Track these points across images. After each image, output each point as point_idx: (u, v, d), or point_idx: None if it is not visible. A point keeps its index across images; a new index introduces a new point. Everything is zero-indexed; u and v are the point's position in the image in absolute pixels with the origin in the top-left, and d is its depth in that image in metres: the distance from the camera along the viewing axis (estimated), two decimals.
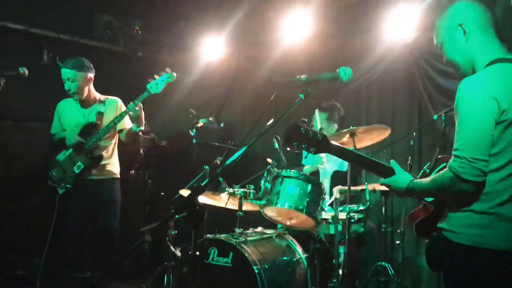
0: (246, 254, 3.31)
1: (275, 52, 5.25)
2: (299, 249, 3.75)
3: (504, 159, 1.92)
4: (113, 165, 4.17)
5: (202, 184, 1.75)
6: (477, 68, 2.06)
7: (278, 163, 3.82)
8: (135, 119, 3.92)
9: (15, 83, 5.02)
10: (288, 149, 2.30)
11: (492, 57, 2.02)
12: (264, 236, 3.77)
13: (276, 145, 3.97)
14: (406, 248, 4.20)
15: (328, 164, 4.39)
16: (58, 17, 5.41)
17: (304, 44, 5.08)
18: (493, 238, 1.92)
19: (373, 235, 4.14)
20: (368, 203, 3.77)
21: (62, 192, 3.99)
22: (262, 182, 3.70)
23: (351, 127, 3.74)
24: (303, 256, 3.71)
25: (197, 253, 1.67)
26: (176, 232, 4.02)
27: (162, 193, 5.46)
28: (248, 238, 3.54)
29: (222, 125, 5.74)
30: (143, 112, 3.92)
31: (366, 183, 3.84)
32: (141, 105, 3.87)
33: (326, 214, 3.84)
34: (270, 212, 3.80)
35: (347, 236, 3.63)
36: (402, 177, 2.18)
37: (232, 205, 3.80)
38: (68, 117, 4.15)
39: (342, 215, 3.68)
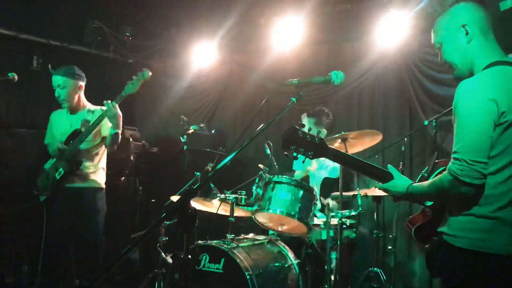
0: (238, 260, 3.28)
1: (267, 59, 5.26)
2: (291, 255, 3.73)
3: (503, 161, 1.91)
4: (98, 175, 4.06)
5: (194, 188, 1.73)
6: (475, 70, 2.06)
7: (269, 168, 3.81)
8: (111, 119, 3.85)
9: (4, 89, 5.03)
10: (286, 153, 2.28)
11: (491, 60, 2.03)
12: (256, 242, 3.74)
13: (268, 151, 3.96)
14: (398, 254, 4.20)
15: (318, 171, 4.39)
16: (48, 23, 5.40)
17: (296, 50, 5.10)
18: (495, 242, 1.90)
19: (365, 240, 4.14)
20: (360, 209, 3.77)
21: (43, 199, 3.94)
22: (254, 188, 3.68)
23: (343, 133, 3.74)
24: (295, 262, 3.69)
25: (189, 257, 1.65)
26: (167, 238, 3.99)
27: (153, 200, 5.42)
28: (240, 244, 3.52)
29: (213, 131, 5.73)
30: (120, 113, 3.85)
31: (358, 189, 3.83)
32: (117, 105, 3.82)
33: (318, 220, 3.83)
34: (261, 218, 3.78)
35: (339, 242, 3.61)
36: (401, 181, 2.19)
37: (224, 211, 3.77)
38: (58, 126, 4.11)
39: (334, 221, 3.67)
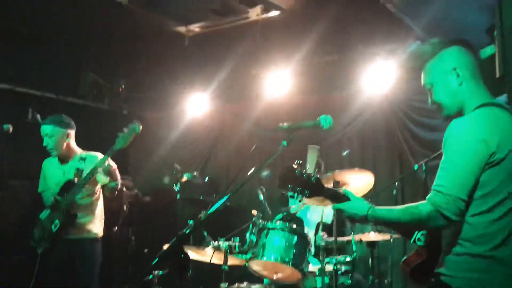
0: None
1: (258, 107, 5.39)
2: None
3: (495, 199, 1.93)
4: (94, 224, 4.02)
5: (186, 232, 1.74)
6: (465, 111, 2.12)
7: (263, 214, 3.81)
8: (107, 174, 3.86)
9: None
10: (283, 192, 2.27)
11: (480, 101, 2.08)
12: None
13: (261, 197, 3.98)
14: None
15: (311, 213, 4.39)
16: (44, 76, 5.50)
17: (286, 99, 5.24)
18: (491, 282, 1.91)
19: (360, 287, 4.09)
20: (354, 254, 3.75)
21: (40, 251, 3.89)
22: (248, 234, 3.67)
23: (336, 171, 3.79)
24: None
25: None
26: None
27: (146, 250, 5.35)
28: None
29: (206, 179, 5.75)
30: (114, 166, 3.87)
31: (353, 233, 3.83)
32: (110, 159, 3.83)
33: (313, 267, 3.80)
34: (256, 266, 3.74)
35: None
36: (359, 203, 2.17)
37: (217, 259, 3.73)
38: (50, 175, 4.10)
39: (329, 267, 3.64)
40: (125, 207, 5.39)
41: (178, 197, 4.74)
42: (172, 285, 1.90)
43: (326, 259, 3.62)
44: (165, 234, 4.64)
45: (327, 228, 4.22)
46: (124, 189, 5.42)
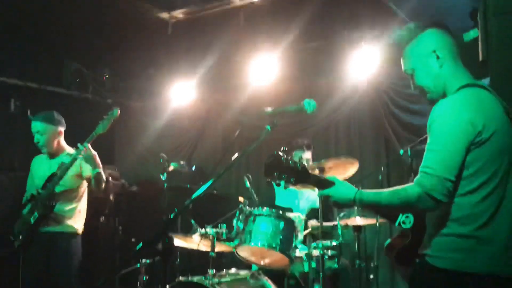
0: None
1: (244, 95, 5.37)
2: None
3: (480, 180, 1.95)
4: (74, 220, 3.98)
5: (171, 217, 1.74)
6: (447, 92, 2.13)
7: (250, 201, 3.81)
8: (88, 162, 3.82)
9: None
10: (268, 180, 2.25)
11: (462, 82, 2.09)
12: (238, 277, 3.69)
13: (247, 184, 3.98)
14: (380, 283, 4.19)
15: (301, 202, 4.41)
16: (26, 66, 5.42)
17: (271, 86, 5.23)
18: (475, 262, 1.92)
19: (347, 271, 4.13)
20: (340, 239, 3.78)
21: (18, 245, 3.85)
22: (235, 221, 3.67)
23: (322, 161, 3.79)
24: None
25: (167, 286, 1.64)
26: (147, 277, 3.91)
27: (133, 240, 5.34)
28: (222, 280, 3.47)
29: (193, 168, 5.73)
30: (94, 153, 3.83)
31: (338, 219, 3.86)
32: (89, 145, 3.79)
33: (300, 252, 3.82)
34: (243, 252, 3.75)
35: (321, 274, 3.60)
36: (345, 187, 2.14)
37: (205, 246, 3.74)
38: (38, 171, 4.06)
39: (316, 252, 3.67)
40: (111, 197, 5.36)
41: (165, 186, 4.73)
42: (159, 273, 1.89)
43: (313, 244, 3.64)
44: (152, 224, 4.65)
45: (316, 214, 4.24)
46: (110, 179, 5.39)
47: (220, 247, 3.79)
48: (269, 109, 2.27)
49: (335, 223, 3.87)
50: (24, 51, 5.38)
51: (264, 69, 5.10)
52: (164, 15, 4.81)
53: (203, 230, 3.64)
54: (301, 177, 2.22)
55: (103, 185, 3.98)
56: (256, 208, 3.68)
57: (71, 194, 3.96)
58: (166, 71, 5.88)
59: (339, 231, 3.77)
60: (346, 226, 3.93)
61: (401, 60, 2.24)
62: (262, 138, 2.13)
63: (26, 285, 3.86)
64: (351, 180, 4.23)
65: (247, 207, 3.70)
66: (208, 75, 5.63)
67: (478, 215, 1.95)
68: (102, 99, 6.21)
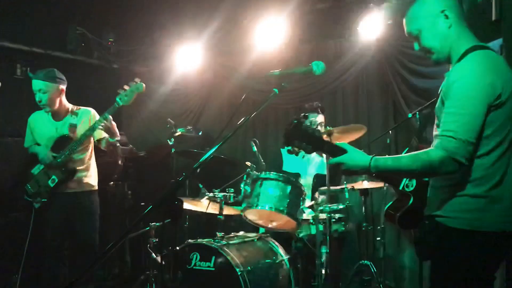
0: (229, 258, 3.29)
1: (250, 58, 5.30)
2: (281, 251, 3.75)
3: (495, 141, 1.98)
4: (90, 177, 4.09)
5: (179, 180, 1.75)
6: (453, 54, 2.12)
7: (257, 166, 3.83)
8: (107, 132, 3.87)
9: None
10: (289, 148, 2.15)
11: (469, 44, 2.08)
12: (246, 239, 3.76)
13: (254, 148, 3.99)
14: (387, 245, 4.24)
15: (308, 167, 4.42)
16: (31, 31, 5.37)
17: (279, 49, 5.14)
18: (489, 220, 1.97)
19: (354, 234, 4.18)
20: (347, 202, 3.80)
21: (38, 206, 3.93)
22: (242, 185, 3.70)
23: (328, 128, 3.77)
24: (286, 258, 3.70)
25: (177, 248, 1.66)
26: (157, 240, 3.98)
27: (142, 204, 5.40)
28: (230, 242, 3.53)
29: (200, 133, 5.73)
30: (114, 124, 3.86)
31: (345, 183, 3.87)
32: (111, 117, 3.82)
33: (307, 215, 3.86)
34: (251, 215, 3.80)
35: (328, 236, 3.64)
36: (359, 154, 2.10)
37: (213, 210, 3.79)
38: (41, 130, 4.08)
39: (323, 215, 3.70)
40: (120, 162, 5.39)
41: (172, 151, 4.74)
42: (169, 236, 1.92)
43: (320, 207, 3.67)
44: (161, 188, 4.69)
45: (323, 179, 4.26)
46: (118, 144, 5.41)
47: (228, 211, 3.84)
48: (276, 71, 2.23)
49: (342, 186, 3.88)
50: (28, 16, 5.32)
51: (271, 32, 5.01)
52: None
53: (211, 194, 3.69)
54: (317, 145, 2.18)
55: (112, 149, 4.04)
56: (263, 172, 3.71)
57: (83, 154, 4.03)
58: (171, 35, 5.80)
59: (346, 195, 3.79)
60: (353, 189, 3.94)
61: (404, 20, 2.19)
62: (270, 100, 2.10)
63: (49, 244, 4.00)
64: (359, 144, 4.24)
65: (254, 172, 3.73)
66: (214, 39, 5.54)
67: (491, 176, 1.99)
68: (107, 64, 6.18)
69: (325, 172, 4.27)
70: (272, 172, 3.69)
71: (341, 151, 2.11)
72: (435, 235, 2.07)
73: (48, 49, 5.54)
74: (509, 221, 1.99)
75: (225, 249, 3.37)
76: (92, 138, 4.07)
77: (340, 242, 4.02)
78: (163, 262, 2.87)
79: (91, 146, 4.13)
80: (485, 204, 1.98)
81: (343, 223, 3.90)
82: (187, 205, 3.89)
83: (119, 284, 5.01)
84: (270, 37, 5.03)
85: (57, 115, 4.04)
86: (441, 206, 2.05)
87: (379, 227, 4.17)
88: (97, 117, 3.97)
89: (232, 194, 3.69)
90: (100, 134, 3.99)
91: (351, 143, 3.88)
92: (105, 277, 4.98)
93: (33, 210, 3.94)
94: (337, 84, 5.07)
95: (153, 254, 3.61)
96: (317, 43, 5.27)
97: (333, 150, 2.13)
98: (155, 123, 6.28)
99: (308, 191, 4.12)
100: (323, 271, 3.64)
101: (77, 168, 3.96)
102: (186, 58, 5.70)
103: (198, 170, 1.89)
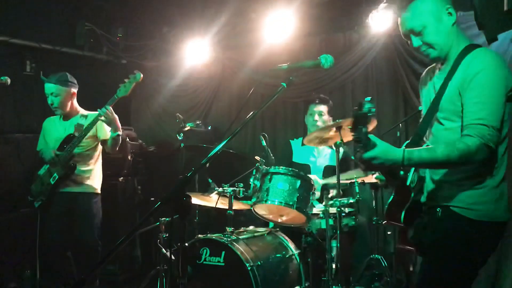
0: (238, 252, 3.28)
1: (259, 52, 5.27)
2: (291, 245, 3.74)
3: (504, 132, 2.06)
4: (93, 179, 4.08)
5: (188, 175, 1.73)
6: (452, 52, 2.16)
7: (266, 160, 3.81)
8: (109, 124, 3.88)
9: None
10: (354, 134, 1.96)
11: (466, 42, 2.16)
12: (256, 234, 3.75)
13: (264, 143, 3.97)
14: (397, 240, 4.21)
15: (318, 159, 4.40)
16: (40, 27, 5.39)
17: (287, 43, 5.11)
18: (501, 210, 2.07)
19: (364, 228, 4.15)
20: (358, 196, 3.77)
21: (38, 205, 3.96)
22: (251, 180, 3.69)
23: (337, 121, 3.74)
24: (296, 252, 3.69)
25: (186, 244, 1.66)
26: (167, 235, 3.99)
27: (152, 199, 5.42)
28: (240, 237, 3.53)
29: (209, 128, 5.73)
30: (115, 116, 3.88)
31: (355, 176, 3.84)
32: (111, 109, 3.83)
33: (317, 209, 3.84)
34: (261, 210, 3.79)
35: (338, 231, 3.62)
36: (390, 148, 1.98)
37: (223, 204, 3.78)
38: (51, 132, 4.13)
39: (333, 209, 3.67)
40: (129, 157, 5.41)
41: (181, 146, 4.75)
42: (179, 231, 1.91)
43: (330, 202, 3.64)
44: (171, 183, 4.69)
45: (333, 171, 4.22)
46: (127, 139, 5.43)
47: (237, 205, 3.83)
48: (284, 65, 2.21)
49: (352, 180, 3.85)
50: (37, 13, 5.34)
51: (279, 25, 4.97)
52: None
53: (220, 189, 3.69)
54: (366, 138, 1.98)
55: (117, 147, 4.04)
56: (272, 166, 3.69)
57: (88, 155, 4.03)
58: (180, 29, 5.79)
59: (356, 189, 3.75)
60: (363, 183, 3.91)
61: (404, 16, 2.16)
62: (278, 94, 2.08)
63: (50, 243, 4.00)
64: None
65: (264, 166, 3.71)
66: (222, 33, 5.52)
67: (502, 167, 2.08)
68: (116, 59, 6.19)
69: (335, 163, 4.25)
70: (281, 167, 3.67)
71: (372, 144, 1.98)
72: (446, 226, 2.09)
73: (57, 45, 5.56)
74: (509, 210, 2.09)
75: (235, 244, 3.36)
76: (99, 143, 4.06)
77: (350, 236, 4.00)
78: (173, 257, 2.87)
79: (98, 150, 4.13)
80: (499, 195, 2.06)
81: (353, 217, 3.87)
82: (197, 200, 3.89)
83: (129, 279, 5.04)
84: (278, 30, 5.00)
85: (68, 117, 4.08)
86: (456, 196, 2.08)
87: None
88: (105, 125, 3.97)
89: (241, 188, 3.68)
90: (106, 135, 3.98)
91: None
92: (115, 272, 5.00)
93: (39, 209, 3.97)
94: (346, 77, 5.03)
95: (163, 249, 3.62)
96: (325, 36, 5.22)
97: (369, 144, 1.98)
98: (164, 118, 6.29)
99: (318, 183, 4.10)
100: (334, 266, 3.62)
101: (79, 166, 3.96)
102: (194, 53, 5.69)
103: (207, 165, 1.88)
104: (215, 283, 3.34)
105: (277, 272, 3.52)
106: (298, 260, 3.66)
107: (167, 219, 3.86)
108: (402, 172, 2.21)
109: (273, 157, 3.96)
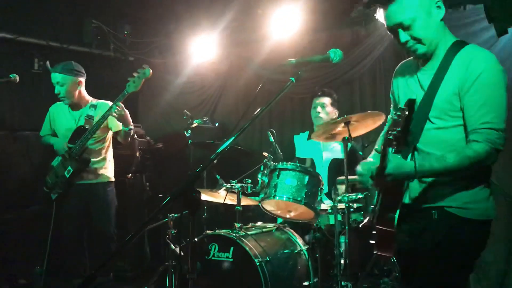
0: (247, 248, 3.29)
1: (266, 48, 5.26)
2: (300, 241, 3.74)
3: None
4: (106, 169, 4.15)
5: (196, 171, 1.74)
6: (440, 47, 2.07)
7: (274, 156, 3.81)
8: (120, 120, 3.91)
9: (7, 92, 5.06)
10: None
11: (453, 38, 2.09)
12: (264, 229, 3.75)
13: (271, 139, 3.97)
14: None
15: (323, 153, 4.38)
16: (47, 25, 5.42)
17: (294, 38, 5.08)
18: (492, 209, 2.07)
19: (373, 223, 4.12)
20: (366, 191, 3.76)
21: (54, 197, 4.00)
22: (259, 176, 3.69)
23: (345, 116, 3.72)
24: (304, 248, 3.69)
25: (195, 240, 1.66)
26: (176, 231, 4.00)
27: (160, 195, 5.44)
28: (248, 232, 3.53)
29: (217, 124, 5.74)
30: (126, 112, 3.91)
31: None
32: (122, 105, 3.85)
33: (325, 205, 3.83)
34: (269, 206, 3.79)
35: (347, 226, 3.61)
36: (401, 162, 1.95)
37: (231, 200, 3.79)
38: (60, 121, 4.15)
39: (341, 205, 3.67)
40: (137, 154, 5.43)
41: (189, 142, 4.76)
42: (187, 227, 1.92)
43: (338, 197, 3.63)
44: (179, 180, 4.70)
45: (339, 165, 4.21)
46: (135, 136, 5.45)
47: (245, 201, 3.84)
48: (292, 60, 2.19)
49: None
50: (44, 10, 5.36)
51: (286, 20, 4.95)
52: None
53: (228, 185, 3.69)
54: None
55: (129, 139, 4.09)
56: (280, 162, 3.69)
57: (100, 146, 4.07)
58: (186, 26, 5.79)
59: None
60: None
61: (392, 9, 2.06)
62: (286, 89, 2.07)
63: (68, 235, 4.08)
64: (376, 132, 4.18)
65: (272, 162, 3.71)
66: (229, 29, 5.51)
67: (490, 166, 2.07)
68: (123, 57, 6.20)
69: (342, 156, 4.23)
70: (289, 163, 3.67)
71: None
72: (443, 225, 2.04)
73: (64, 42, 5.59)
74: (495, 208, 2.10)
75: (243, 239, 3.37)
76: (110, 131, 4.11)
77: (359, 232, 3.98)
78: (182, 253, 2.88)
79: (109, 139, 4.17)
80: (490, 193, 2.07)
81: (362, 212, 3.86)
82: (205, 196, 3.90)
83: (139, 275, 5.06)
84: (285, 26, 4.97)
85: (76, 107, 4.10)
86: (450, 196, 2.04)
87: None
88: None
89: (249, 184, 3.68)
90: (118, 126, 4.02)
91: (370, 132, 3.90)
92: (124, 268, 5.02)
93: (54, 202, 4.01)
94: (354, 72, 5.00)
95: (172, 245, 3.63)
96: (333, 32, 5.20)
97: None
98: (172, 114, 6.30)
99: (323, 177, 4.09)
100: (342, 261, 3.62)
101: (93, 159, 4.00)
102: (201, 49, 5.68)
103: (215, 161, 1.88)
104: (224, 278, 3.35)
105: (285, 267, 3.52)
106: (307, 256, 3.66)
107: (176, 215, 3.88)
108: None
109: (281, 153, 3.96)
